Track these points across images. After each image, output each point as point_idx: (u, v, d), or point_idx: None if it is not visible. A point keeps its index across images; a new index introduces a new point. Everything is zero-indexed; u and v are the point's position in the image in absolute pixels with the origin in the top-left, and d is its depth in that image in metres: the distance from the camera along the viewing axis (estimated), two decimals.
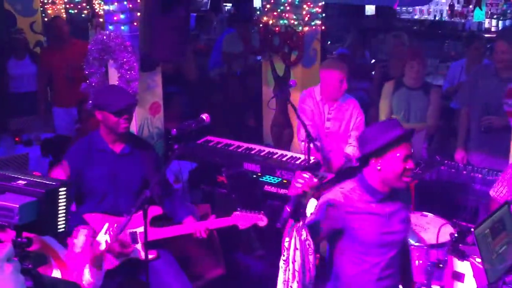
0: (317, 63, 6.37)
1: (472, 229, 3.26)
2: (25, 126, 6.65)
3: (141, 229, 3.86)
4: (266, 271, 4.63)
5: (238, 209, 4.02)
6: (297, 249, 3.16)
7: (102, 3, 5.65)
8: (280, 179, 4.74)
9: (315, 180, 2.96)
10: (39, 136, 6.27)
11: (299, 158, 4.88)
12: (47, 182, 2.25)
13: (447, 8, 9.50)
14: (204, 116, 3.88)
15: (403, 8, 9.86)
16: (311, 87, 5.33)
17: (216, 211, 4.24)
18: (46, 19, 8.48)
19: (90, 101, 5.23)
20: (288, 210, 2.89)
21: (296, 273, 3.21)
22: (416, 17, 10.05)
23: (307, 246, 3.18)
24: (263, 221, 3.99)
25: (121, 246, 3.83)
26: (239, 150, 5.17)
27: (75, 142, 4.56)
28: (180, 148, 3.66)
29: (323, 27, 6.38)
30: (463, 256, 3.74)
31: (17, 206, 2.12)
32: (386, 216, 3.16)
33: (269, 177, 4.80)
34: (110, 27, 5.33)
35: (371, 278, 3.19)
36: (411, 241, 3.95)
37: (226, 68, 7.71)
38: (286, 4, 6.17)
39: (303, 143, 4.75)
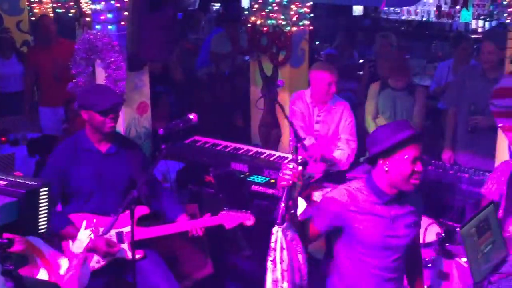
0: (305, 63, 6.38)
1: (458, 229, 3.27)
2: (12, 126, 6.61)
3: (127, 229, 3.85)
4: (253, 271, 4.63)
5: (225, 208, 4.02)
6: (283, 249, 3.14)
7: (90, 2, 5.63)
8: (267, 178, 4.74)
9: (300, 168, 2.96)
10: (25, 136, 6.23)
11: (287, 158, 4.88)
12: (28, 183, 2.22)
13: (435, 8, 9.55)
14: (192, 116, 3.87)
15: (391, 9, 9.90)
16: (302, 89, 5.35)
17: (204, 211, 4.23)
18: (33, 18, 8.44)
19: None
20: (283, 205, 2.90)
21: (285, 273, 3.20)
22: (403, 17, 10.10)
23: (294, 246, 3.17)
24: (250, 220, 3.99)
25: (107, 245, 3.81)
26: (227, 150, 5.16)
27: (61, 141, 4.54)
28: (168, 148, 3.65)
29: (311, 27, 6.38)
30: (449, 256, 3.76)
31: None
32: (390, 219, 3.11)
33: (257, 177, 4.79)
34: (97, 27, 5.31)
35: (371, 280, 3.18)
36: None
37: (214, 68, 7.70)
38: (274, 4, 6.17)
39: (291, 142, 4.76)
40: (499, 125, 4.93)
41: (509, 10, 4.75)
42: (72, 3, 7.72)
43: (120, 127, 5.31)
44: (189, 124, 3.87)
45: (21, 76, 7.24)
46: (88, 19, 6.33)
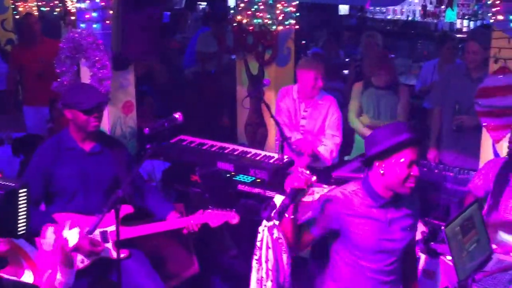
0: (291, 62, 6.39)
1: (443, 227, 3.28)
2: None
3: (111, 228, 3.83)
4: (239, 270, 4.62)
5: (210, 207, 4.02)
6: (269, 248, 3.15)
7: (74, 0, 5.60)
8: (253, 178, 4.74)
9: (314, 178, 3.02)
10: (10, 135, 6.18)
11: (273, 157, 4.88)
12: (6, 183, 2.17)
13: (420, 8, 9.59)
14: (177, 115, 3.86)
15: (377, 8, 9.93)
16: (289, 85, 5.36)
17: (190, 211, 4.22)
18: (17, 17, 8.37)
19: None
20: (286, 203, 2.92)
21: (270, 272, 3.20)
22: (389, 17, 10.13)
23: (280, 245, 3.17)
24: (234, 219, 3.99)
25: (91, 244, 3.79)
26: (213, 149, 5.15)
27: (44, 141, 4.51)
28: (153, 147, 3.63)
29: (297, 26, 6.39)
30: (434, 254, 3.77)
31: None
32: (386, 222, 3.10)
33: (243, 176, 4.78)
34: (82, 25, 5.29)
35: (367, 283, 3.17)
36: None
37: (200, 67, 7.68)
38: (260, 3, 6.17)
39: (277, 141, 4.77)
40: (484, 124, 4.96)
41: (493, 10, 4.78)
42: (57, 2, 7.69)
43: (106, 127, 5.28)
44: (175, 123, 3.86)
45: (5, 75, 7.17)
46: (73, 17, 6.30)
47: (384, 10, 10.07)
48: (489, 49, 4.90)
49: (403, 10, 9.81)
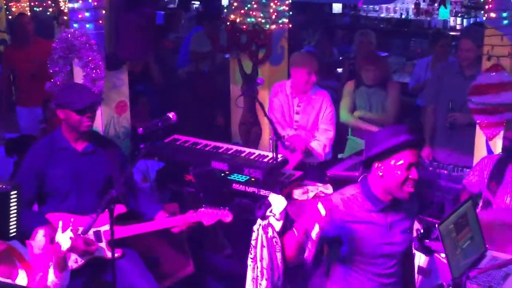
0: (285, 61, 6.38)
1: (437, 225, 3.28)
2: None
3: (105, 228, 3.83)
4: (234, 270, 4.62)
5: (203, 206, 4.02)
6: (264, 246, 3.15)
7: (67, 0, 5.58)
8: (248, 177, 4.73)
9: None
10: (3, 136, 6.16)
11: (267, 156, 4.88)
12: None
13: (413, 6, 9.59)
14: (171, 115, 3.86)
15: (370, 6, 9.93)
16: (282, 81, 5.37)
17: (185, 210, 4.21)
18: (10, 17, 8.35)
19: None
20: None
21: (265, 271, 3.21)
22: (383, 15, 10.13)
23: (274, 244, 3.18)
24: (228, 217, 3.99)
25: (86, 244, 3.78)
26: (207, 148, 5.15)
27: (37, 141, 4.50)
28: (147, 147, 3.63)
29: (290, 25, 6.39)
30: (428, 252, 3.77)
31: None
32: (386, 226, 3.09)
33: (237, 176, 4.78)
34: (75, 25, 5.27)
35: (368, 286, 3.17)
36: None
37: (194, 66, 7.67)
38: (253, 2, 6.17)
39: (271, 140, 4.76)
40: (477, 121, 4.97)
41: (486, 7, 4.80)
42: (50, 2, 7.67)
43: (99, 127, 5.27)
44: (169, 123, 3.86)
45: None
46: (66, 17, 6.29)
47: (377, 9, 10.07)
48: (482, 46, 4.92)
49: (397, 8, 9.81)
